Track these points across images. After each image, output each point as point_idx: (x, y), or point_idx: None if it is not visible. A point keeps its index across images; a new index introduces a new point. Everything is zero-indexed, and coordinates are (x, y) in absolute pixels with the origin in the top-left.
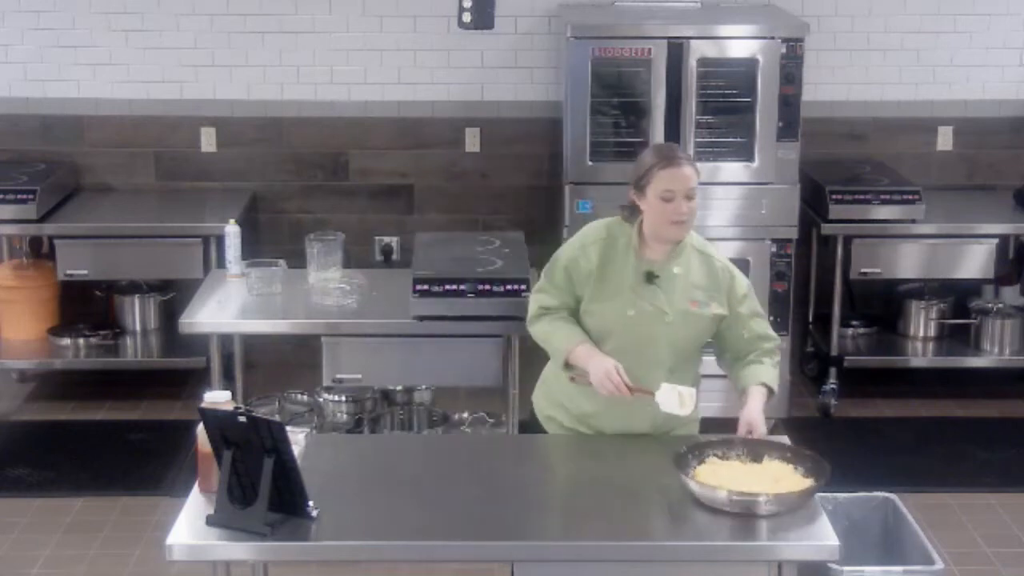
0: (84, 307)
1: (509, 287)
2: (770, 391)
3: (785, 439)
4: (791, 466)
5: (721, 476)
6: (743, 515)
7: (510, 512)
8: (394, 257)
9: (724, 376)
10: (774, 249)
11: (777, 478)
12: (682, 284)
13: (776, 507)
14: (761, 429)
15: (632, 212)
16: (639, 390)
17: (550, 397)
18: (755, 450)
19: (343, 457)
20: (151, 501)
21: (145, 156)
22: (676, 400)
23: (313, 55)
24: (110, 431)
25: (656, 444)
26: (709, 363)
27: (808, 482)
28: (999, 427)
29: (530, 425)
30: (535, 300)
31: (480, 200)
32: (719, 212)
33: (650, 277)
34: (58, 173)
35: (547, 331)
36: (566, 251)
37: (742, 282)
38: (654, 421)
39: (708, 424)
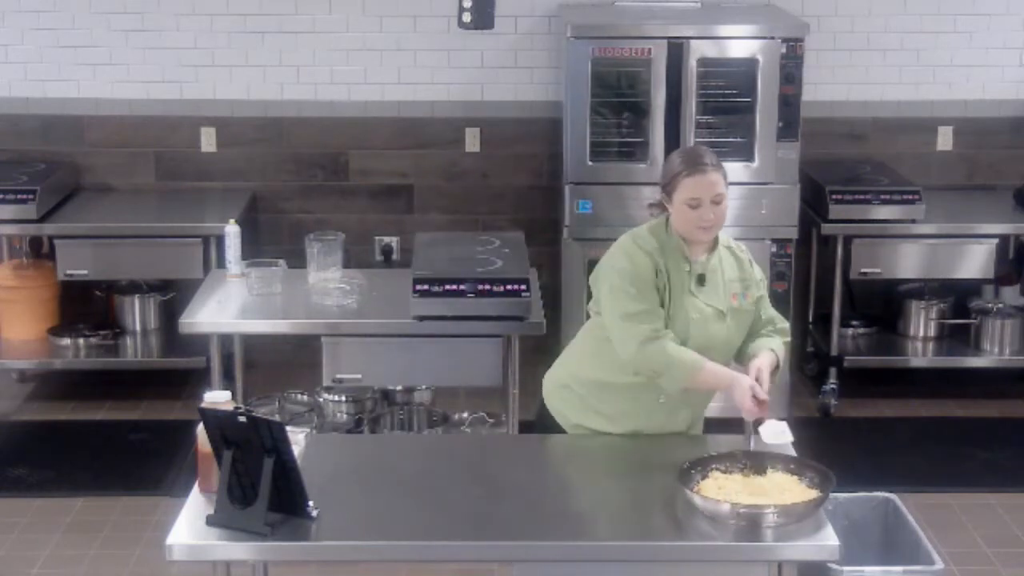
0: (84, 307)
1: (509, 287)
2: (778, 362)
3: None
4: (795, 477)
5: (726, 490)
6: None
7: (510, 512)
8: (394, 257)
9: None
10: (774, 249)
11: (782, 490)
12: (722, 281)
13: (783, 520)
14: (765, 380)
15: (660, 211)
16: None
17: (571, 402)
18: (759, 462)
19: (343, 457)
20: (151, 501)
21: (145, 156)
22: (779, 431)
23: (313, 55)
24: (110, 431)
25: (656, 444)
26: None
27: (813, 493)
28: (999, 427)
29: (530, 425)
30: (641, 320)
31: (480, 200)
32: None
33: (702, 279)
34: (58, 173)
35: (672, 350)
36: (640, 264)
37: (758, 268)
38: (690, 420)
39: (708, 424)
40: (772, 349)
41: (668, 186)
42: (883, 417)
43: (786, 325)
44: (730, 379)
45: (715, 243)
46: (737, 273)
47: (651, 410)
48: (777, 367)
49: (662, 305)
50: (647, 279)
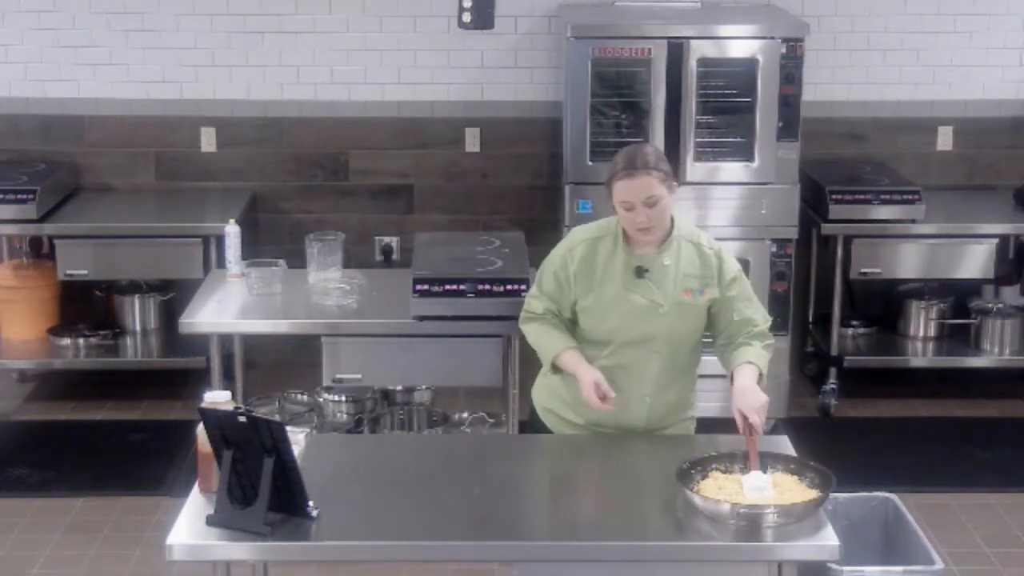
0: (84, 307)
1: (509, 287)
2: (760, 372)
3: (785, 440)
4: (795, 477)
5: (726, 490)
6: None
7: (510, 512)
8: (394, 257)
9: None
10: (774, 249)
11: (782, 490)
12: (674, 275)
13: (783, 520)
14: (755, 415)
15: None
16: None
17: (548, 389)
18: (759, 462)
19: (343, 457)
20: (151, 501)
21: (145, 156)
22: (763, 484)
23: (313, 55)
24: (110, 431)
25: (656, 444)
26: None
27: (813, 493)
28: (999, 427)
29: (530, 425)
30: (527, 303)
31: (480, 200)
32: (719, 212)
33: (640, 271)
34: (58, 173)
35: (537, 334)
36: (555, 256)
37: (732, 265)
38: (649, 415)
39: (708, 424)
40: (751, 361)
41: (608, 185)
42: (883, 417)
43: (765, 327)
44: (575, 372)
45: (670, 238)
46: (697, 269)
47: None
48: (761, 376)
49: (571, 297)
50: (552, 268)
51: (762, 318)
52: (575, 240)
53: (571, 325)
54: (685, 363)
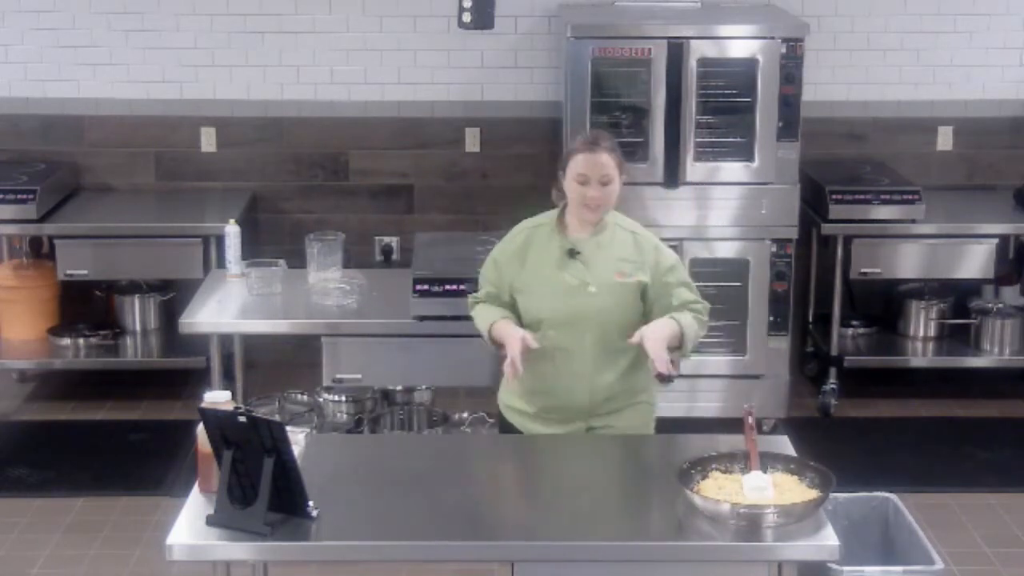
0: (84, 307)
1: None
2: (682, 331)
3: (785, 440)
4: (795, 477)
5: (726, 490)
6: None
7: (510, 512)
8: (394, 257)
9: (724, 376)
10: (774, 249)
11: (782, 490)
12: (606, 257)
13: (783, 520)
14: (651, 341)
15: (561, 194)
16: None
17: (505, 384)
18: (759, 462)
19: (343, 457)
20: (151, 501)
21: (145, 156)
22: (763, 484)
23: (313, 55)
24: (110, 431)
25: (656, 445)
26: (711, 363)
27: (813, 493)
28: (999, 427)
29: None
30: (473, 295)
31: (480, 200)
32: (719, 212)
33: (572, 253)
34: (58, 173)
35: (478, 316)
36: (498, 245)
37: (669, 255)
38: (591, 398)
39: (707, 424)
40: (672, 316)
41: (564, 162)
42: (883, 417)
43: (701, 307)
44: (505, 339)
45: (603, 223)
46: (631, 255)
47: (546, 386)
48: (681, 334)
49: (510, 281)
50: (493, 256)
51: (700, 298)
52: (516, 229)
53: (513, 308)
54: (621, 347)
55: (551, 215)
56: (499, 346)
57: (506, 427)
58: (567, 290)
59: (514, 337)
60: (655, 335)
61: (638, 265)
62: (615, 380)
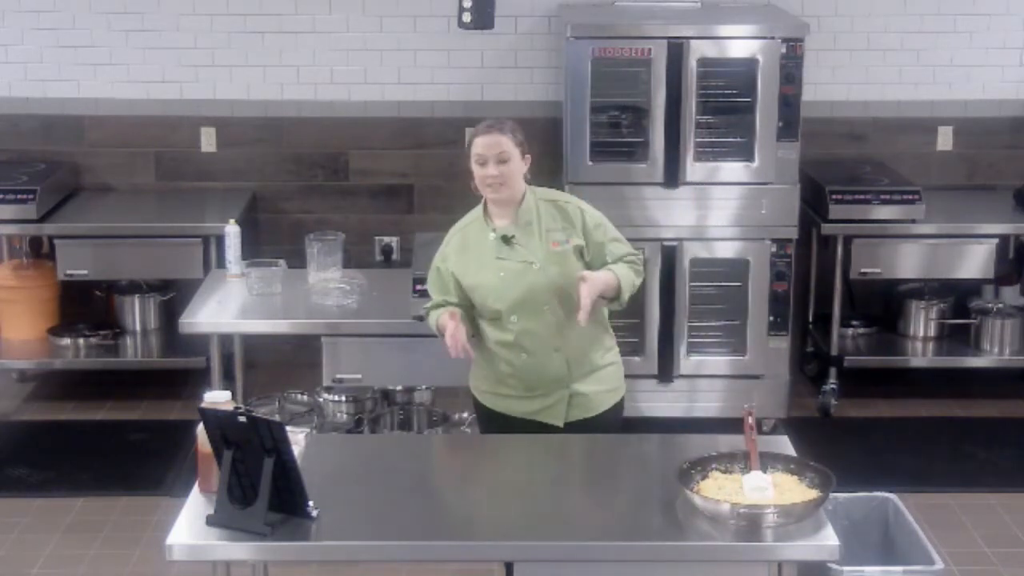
0: (84, 307)
1: None
2: (619, 282)
3: (785, 440)
4: (795, 477)
5: (726, 490)
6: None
7: (510, 512)
8: (394, 257)
9: (724, 376)
10: (774, 249)
11: (782, 490)
12: (538, 232)
13: (783, 520)
14: (584, 284)
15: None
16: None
17: (482, 376)
18: (759, 462)
19: (343, 457)
20: (151, 501)
21: (145, 156)
22: (763, 484)
23: (313, 55)
24: (110, 431)
25: (657, 445)
26: (710, 363)
27: (813, 493)
28: (999, 427)
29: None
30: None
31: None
32: (719, 212)
33: (506, 239)
34: (58, 173)
35: (430, 322)
36: (436, 254)
37: (593, 214)
38: (570, 366)
39: (707, 424)
40: (608, 268)
41: (467, 150)
42: (883, 417)
43: (635, 259)
44: (441, 325)
45: (526, 202)
46: (559, 223)
47: (522, 368)
48: (617, 285)
49: (458, 281)
50: (434, 265)
51: (632, 249)
52: (448, 235)
53: (468, 309)
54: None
55: (476, 212)
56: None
57: (484, 413)
58: (513, 275)
59: (447, 327)
60: (592, 280)
61: (569, 231)
62: (585, 340)
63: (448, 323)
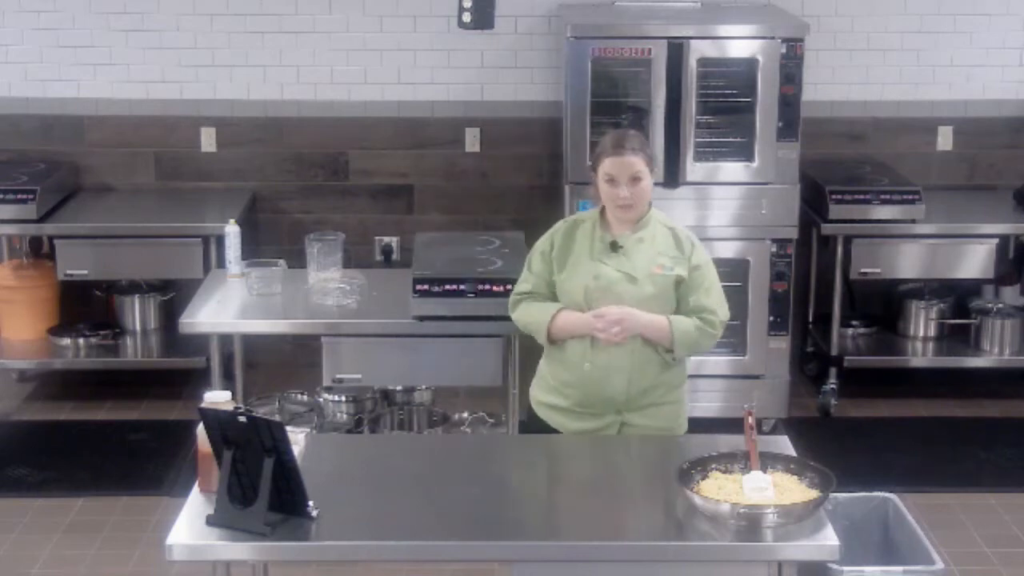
0: (84, 307)
1: (509, 287)
2: (671, 328)
3: (785, 440)
4: (795, 477)
5: (726, 490)
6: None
7: (510, 512)
8: (394, 257)
9: (724, 376)
10: (774, 249)
11: (782, 490)
12: (647, 251)
13: (783, 520)
14: (603, 319)
15: (598, 194)
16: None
17: (539, 381)
18: (759, 462)
19: (343, 457)
20: (151, 501)
21: (145, 156)
22: (763, 484)
23: (313, 55)
24: (110, 431)
25: (656, 445)
26: (710, 363)
27: (813, 493)
28: (999, 427)
29: (530, 425)
30: (515, 289)
31: (480, 200)
32: (719, 212)
33: (614, 246)
34: (58, 173)
35: (525, 312)
36: (541, 239)
37: (701, 252)
38: (629, 389)
39: (706, 424)
40: (670, 318)
41: (593, 164)
42: (883, 417)
43: (717, 320)
44: (574, 327)
45: (646, 220)
46: (671, 249)
47: (583, 377)
48: (668, 337)
49: (554, 273)
50: (539, 249)
51: (719, 308)
52: (557, 225)
53: (555, 301)
54: None
55: (592, 212)
56: (553, 342)
57: (536, 424)
58: (607, 281)
59: (590, 320)
60: (632, 313)
61: (677, 260)
62: (653, 374)
63: (595, 323)
